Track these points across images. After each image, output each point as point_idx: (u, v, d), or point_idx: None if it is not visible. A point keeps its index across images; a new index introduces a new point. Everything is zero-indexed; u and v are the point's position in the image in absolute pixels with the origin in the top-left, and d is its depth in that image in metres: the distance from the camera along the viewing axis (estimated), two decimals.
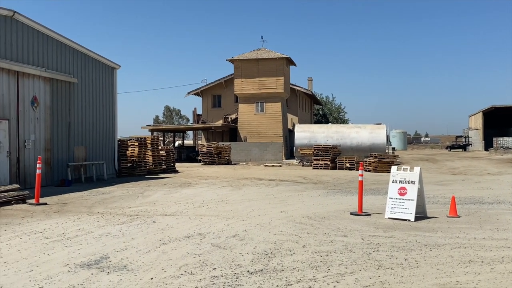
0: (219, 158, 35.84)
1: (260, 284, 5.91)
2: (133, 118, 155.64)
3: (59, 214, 11.64)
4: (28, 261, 7.03)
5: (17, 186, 14.34)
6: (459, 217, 11.02)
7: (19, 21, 17.09)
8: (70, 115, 20.24)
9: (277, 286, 5.83)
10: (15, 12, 16.61)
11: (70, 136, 20.30)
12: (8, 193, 13.41)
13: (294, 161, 37.13)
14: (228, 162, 36.67)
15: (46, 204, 13.30)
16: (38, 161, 13.73)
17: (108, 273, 6.37)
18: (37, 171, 13.53)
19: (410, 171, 10.91)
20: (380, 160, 28.40)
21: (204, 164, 35.54)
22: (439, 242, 8.31)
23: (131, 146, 25.70)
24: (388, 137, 40.74)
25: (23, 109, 17.34)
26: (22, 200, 13.52)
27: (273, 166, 33.93)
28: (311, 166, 31.77)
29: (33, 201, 13.40)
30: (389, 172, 11.67)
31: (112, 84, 23.93)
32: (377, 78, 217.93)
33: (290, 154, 43.84)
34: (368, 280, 6.07)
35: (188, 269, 6.58)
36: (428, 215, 11.12)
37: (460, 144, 74.66)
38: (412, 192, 10.66)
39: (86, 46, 21.26)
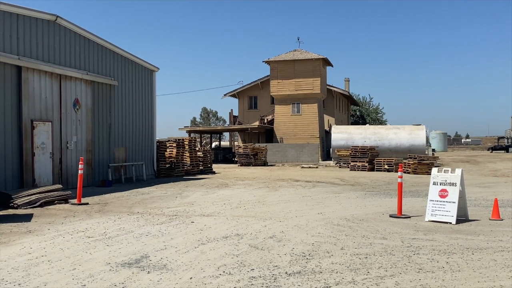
0: (255, 159, 35.92)
1: (299, 285, 5.89)
2: (170, 120, 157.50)
3: (100, 214, 11.89)
4: (71, 259, 7.20)
5: (59, 186, 14.72)
6: (502, 220, 10.73)
7: (62, 25, 17.55)
8: (110, 117, 20.66)
9: None
10: (57, 16, 17.08)
11: (111, 138, 20.72)
12: (51, 193, 13.78)
13: (331, 163, 36.88)
14: (264, 163, 36.71)
15: (87, 204, 13.61)
16: (80, 162, 14.06)
17: (149, 272, 6.47)
18: (79, 171, 13.86)
19: (451, 173, 10.69)
20: (419, 161, 27.91)
21: (240, 165, 35.69)
22: (482, 246, 8.12)
23: (169, 147, 26.05)
24: (427, 138, 40.00)
25: (66, 111, 17.80)
26: (65, 200, 13.87)
27: (310, 167, 33.80)
28: (348, 167, 31.49)
29: (75, 201, 13.73)
30: (429, 174, 11.48)
31: (151, 86, 24.32)
32: (417, 78, 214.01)
33: (326, 156, 43.57)
34: (408, 284, 5.98)
35: (226, 269, 6.62)
36: (470, 218, 10.87)
37: (502, 146, 72.46)
38: (454, 194, 10.44)
39: (125, 49, 21.69)
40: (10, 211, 12.25)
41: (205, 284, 5.97)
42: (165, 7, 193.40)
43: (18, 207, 12.62)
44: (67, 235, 9.06)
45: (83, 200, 13.88)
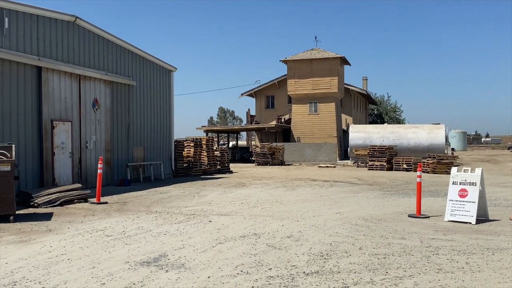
0: (272, 158, 35.91)
1: (316, 285, 5.87)
2: (188, 119, 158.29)
3: (119, 212, 12.00)
4: (90, 258, 7.27)
5: (79, 185, 14.87)
6: None
7: (81, 26, 17.73)
8: (129, 116, 20.82)
9: None
10: (76, 17, 17.25)
11: (129, 137, 20.89)
12: (71, 192, 13.94)
13: (349, 162, 36.70)
14: (282, 163, 36.68)
15: (106, 203, 13.74)
16: (99, 161, 14.18)
17: (167, 271, 6.50)
18: (98, 171, 13.98)
19: (471, 172, 10.57)
20: (438, 161, 27.64)
21: (257, 165, 35.71)
22: (502, 246, 8.01)
23: (187, 146, 26.17)
24: (447, 137, 39.56)
25: (85, 111, 17.98)
26: (84, 199, 14.02)
27: (327, 167, 33.67)
28: (366, 167, 31.31)
29: (94, 200, 13.86)
30: (448, 174, 11.36)
31: (169, 86, 24.46)
32: (436, 77, 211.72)
33: (344, 155, 43.39)
34: (427, 284, 5.92)
35: (244, 268, 6.63)
36: (490, 218, 10.73)
37: None
38: (473, 194, 10.31)
39: (143, 49, 21.83)
40: (31, 210, 12.42)
41: (223, 283, 5.99)
42: (182, 7, 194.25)
43: (38, 206, 12.79)
44: (86, 234, 9.15)
45: (102, 199, 14.01)
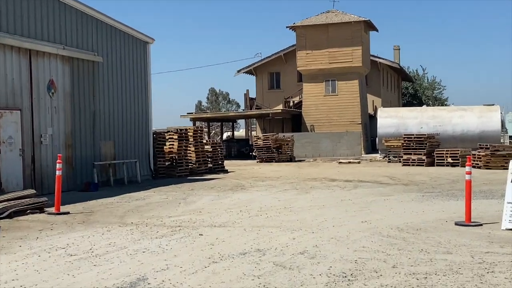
0: (279, 153, 35.98)
1: None
2: (170, 105, 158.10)
3: (84, 225, 12.03)
4: (49, 284, 7.29)
5: (32, 191, 14.88)
6: None
7: None
8: (94, 102, 20.84)
9: None
10: None
11: (96, 129, 20.90)
12: (23, 200, 13.94)
13: (377, 156, 36.77)
14: (291, 159, 36.76)
15: (68, 213, 13.76)
16: (58, 160, 14.20)
17: None
18: (57, 172, 14.00)
19: None
20: (493, 152, 27.65)
21: (260, 162, 35.80)
22: None
23: (169, 140, 26.18)
24: (503, 122, 39.53)
25: (38, 96, 17.97)
26: (39, 209, 14.02)
27: (349, 162, 33.72)
28: (400, 162, 31.36)
29: (52, 209, 13.88)
30: (506, 169, 11.39)
31: (145, 62, 24.44)
32: (486, 46, 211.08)
33: (371, 147, 43.44)
34: None
35: None
36: None
37: None
38: None
39: (113, 16, 21.81)
40: None
41: None
42: None
43: None
44: (43, 253, 9.18)
45: (63, 208, 14.03)
